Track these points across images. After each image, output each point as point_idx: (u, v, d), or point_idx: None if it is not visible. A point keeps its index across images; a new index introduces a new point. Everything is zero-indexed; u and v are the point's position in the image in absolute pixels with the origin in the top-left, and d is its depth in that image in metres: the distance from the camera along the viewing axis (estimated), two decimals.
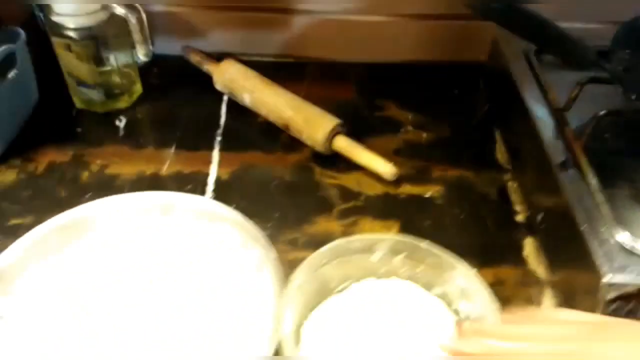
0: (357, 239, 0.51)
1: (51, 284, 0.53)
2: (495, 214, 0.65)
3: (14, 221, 0.61)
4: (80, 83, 0.74)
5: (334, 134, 0.69)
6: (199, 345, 0.49)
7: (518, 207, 0.65)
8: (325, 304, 0.50)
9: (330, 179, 0.68)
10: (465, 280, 0.48)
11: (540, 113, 0.63)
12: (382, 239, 0.51)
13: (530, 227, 0.63)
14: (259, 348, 0.48)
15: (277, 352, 0.45)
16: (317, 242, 0.51)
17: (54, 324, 0.50)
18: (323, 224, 0.63)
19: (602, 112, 0.58)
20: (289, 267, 0.51)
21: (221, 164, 0.70)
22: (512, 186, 0.68)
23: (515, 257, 0.60)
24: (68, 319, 0.51)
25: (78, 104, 0.77)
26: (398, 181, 0.67)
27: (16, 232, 0.55)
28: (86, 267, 0.55)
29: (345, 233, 0.62)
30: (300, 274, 0.48)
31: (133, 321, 0.51)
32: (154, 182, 0.67)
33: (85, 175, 0.68)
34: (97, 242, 0.57)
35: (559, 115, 0.62)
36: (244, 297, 0.53)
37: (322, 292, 0.51)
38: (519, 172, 0.68)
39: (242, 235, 0.56)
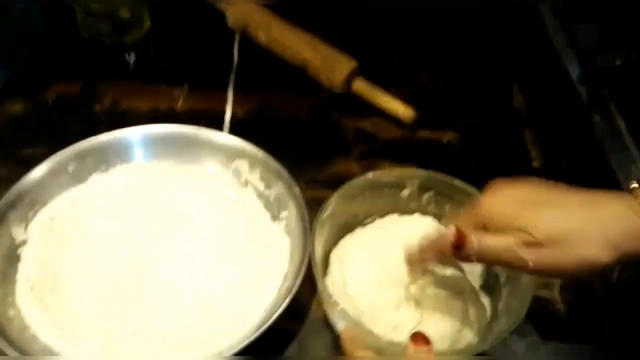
0: (389, 173, 0.51)
1: (72, 213, 0.53)
2: (512, 160, 0.65)
3: (27, 151, 0.60)
4: (89, 14, 0.71)
5: (352, 75, 0.68)
6: (221, 277, 0.49)
7: (534, 154, 0.66)
8: (352, 234, 0.51)
9: (347, 121, 0.68)
10: None
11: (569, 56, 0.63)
12: (413, 174, 0.51)
13: (547, 173, 0.63)
14: (274, 283, 0.48)
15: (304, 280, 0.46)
16: (336, 182, 0.51)
17: (74, 252, 0.50)
18: (342, 165, 0.63)
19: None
20: (309, 206, 0.51)
21: (236, 103, 0.69)
22: (529, 133, 0.68)
23: None
24: (87, 250, 0.50)
25: (85, 34, 0.74)
26: (415, 126, 0.67)
27: (30, 162, 0.53)
28: (105, 199, 0.54)
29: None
30: (332, 204, 0.48)
31: (153, 256, 0.50)
32: (170, 118, 0.65)
33: (97, 108, 0.66)
34: (118, 173, 0.56)
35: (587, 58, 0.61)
36: (265, 233, 0.53)
37: (350, 224, 0.51)
38: (538, 119, 0.69)
39: (264, 172, 0.56)
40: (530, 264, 0.35)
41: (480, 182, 0.58)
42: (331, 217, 0.49)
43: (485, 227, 0.38)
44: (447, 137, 0.67)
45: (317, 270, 0.44)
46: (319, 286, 0.43)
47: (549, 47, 0.67)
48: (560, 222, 0.35)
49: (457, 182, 0.50)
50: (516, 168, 0.64)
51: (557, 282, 0.53)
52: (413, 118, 0.66)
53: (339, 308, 0.42)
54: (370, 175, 0.51)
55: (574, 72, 0.62)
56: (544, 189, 0.38)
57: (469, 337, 0.44)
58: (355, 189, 0.50)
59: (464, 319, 0.45)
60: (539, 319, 0.48)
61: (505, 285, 0.46)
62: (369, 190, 0.51)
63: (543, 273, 0.38)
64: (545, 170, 0.64)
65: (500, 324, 0.44)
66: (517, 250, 0.35)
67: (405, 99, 0.67)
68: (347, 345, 0.39)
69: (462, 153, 0.65)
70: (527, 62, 0.74)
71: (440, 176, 0.50)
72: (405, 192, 0.52)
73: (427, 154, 0.65)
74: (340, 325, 0.43)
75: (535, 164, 0.65)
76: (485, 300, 0.48)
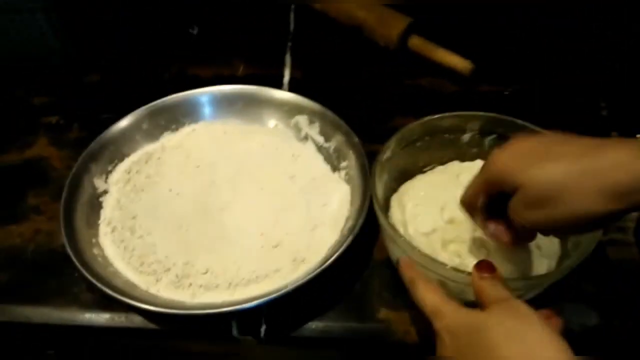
0: (448, 115, 0.50)
1: (146, 167, 0.56)
2: (580, 108, 0.63)
3: (105, 116, 0.64)
4: None
5: (408, 32, 0.68)
6: (286, 222, 0.51)
7: (603, 103, 0.63)
8: (412, 180, 0.51)
9: (404, 80, 0.68)
10: None
11: None
12: (474, 116, 0.50)
13: (616, 122, 0.61)
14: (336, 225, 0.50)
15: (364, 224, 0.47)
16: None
17: (149, 200, 0.54)
18: (400, 121, 0.63)
19: None
20: (368, 157, 0.52)
21: (294, 68, 0.70)
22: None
23: None
24: (160, 199, 0.54)
25: None
26: (474, 80, 0.66)
27: (108, 125, 0.58)
28: (176, 155, 0.58)
29: None
30: (390, 146, 0.48)
31: (222, 204, 0.53)
32: (232, 83, 0.68)
33: (166, 77, 0.70)
34: (187, 131, 0.60)
35: None
36: (326, 183, 0.55)
37: (409, 171, 0.52)
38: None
39: (323, 125, 0.57)
40: (527, 224, 0.35)
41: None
42: (390, 161, 0.49)
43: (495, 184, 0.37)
44: (508, 89, 0.66)
45: (379, 204, 0.44)
46: (381, 220, 0.44)
47: None
48: (554, 176, 0.33)
49: (521, 122, 0.48)
50: (585, 116, 0.62)
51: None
52: (471, 70, 0.65)
53: (401, 238, 0.42)
54: (428, 118, 0.50)
55: None
56: (551, 141, 0.36)
57: (538, 271, 0.43)
58: (414, 133, 0.50)
59: (532, 258, 0.44)
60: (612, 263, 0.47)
61: None
62: (427, 136, 0.51)
63: (543, 231, 0.38)
64: (612, 118, 0.61)
65: (570, 261, 0.43)
66: (520, 211, 0.35)
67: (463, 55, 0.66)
68: (407, 272, 0.40)
69: (524, 105, 0.64)
70: None
71: (502, 117, 0.49)
72: (466, 137, 0.51)
73: (487, 109, 0.64)
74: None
75: (604, 112, 0.62)
76: (554, 239, 0.46)
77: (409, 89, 0.67)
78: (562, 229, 0.37)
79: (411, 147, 0.51)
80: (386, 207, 0.49)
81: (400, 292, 0.47)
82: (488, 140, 0.51)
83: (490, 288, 0.36)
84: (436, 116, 0.51)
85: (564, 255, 0.45)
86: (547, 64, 0.68)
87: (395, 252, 0.45)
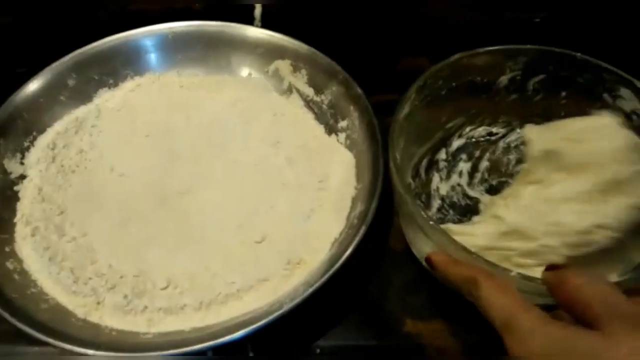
0: (484, 51, 0.38)
1: (77, 139, 0.42)
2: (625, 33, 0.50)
3: (21, 70, 0.48)
4: None
5: None
6: (271, 213, 0.38)
7: None
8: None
9: (412, 7, 0.54)
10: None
11: None
12: (519, 50, 0.38)
13: None
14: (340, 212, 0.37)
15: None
16: (404, 83, 0.38)
17: (83, 185, 0.40)
18: (408, 61, 0.50)
19: None
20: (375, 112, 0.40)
21: None
22: None
23: None
24: (99, 183, 0.40)
25: None
26: (496, 5, 0.52)
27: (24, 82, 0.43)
28: (117, 121, 0.43)
29: None
30: (410, 98, 0.36)
31: (184, 189, 0.40)
32: (188, 19, 0.53)
33: (100, 13, 0.54)
34: (130, 87, 0.45)
35: None
36: (320, 151, 0.42)
37: (432, 129, 0.40)
38: None
39: (312, 72, 0.44)
40: None
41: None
42: (408, 118, 0.36)
43: None
44: (539, 15, 0.52)
45: (402, 182, 0.32)
46: (409, 205, 0.31)
47: None
48: None
49: (581, 56, 0.37)
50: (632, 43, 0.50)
51: None
52: None
53: (431, 223, 0.30)
54: (457, 56, 0.38)
55: None
56: None
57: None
58: (439, 78, 0.37)
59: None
60: None
61: None
62: (455, 82, 0.38)
63: None
64: None
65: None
66: None
67: None
68: (454, 270, 0.28)
69: (563, 33, 0.51)
70: None
71: (557, 50, 0.37)
72: (504, 79, 0.39)
73: (514, 40, 0.51)
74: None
75: None
76: None
77: (417, 19, 0.53)
78: None
79: (435, 97, 0.38)
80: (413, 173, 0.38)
81: (432, 294, 0.35)
82: (533, 82, 0.39)
83: (603, 295, 0.23)
84: (468, 53, 0.38)
85: None
86: None
87: (422, 246, 0.33)
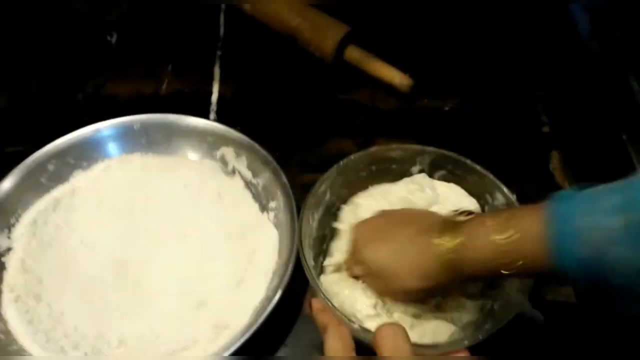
0: (397, 147, 0.47)
1: (55, 215, 0.51)
2: (521, 124, 0.60)
3: (10, 149, 0.58)
4: None
5: (344, 43, 0.63)
6: (209, 278, 0.48)
7: (545, 118, 0.60)
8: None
9: (341, 94, 0.63)
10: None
11: None
12: (425, 150, 0.47)
13: (556, 139, 0.59)
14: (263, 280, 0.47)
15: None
16: (330, 164, 0.48)
17: (58, 257, 0.49)
18: (336, 144, 0.59)
19: None
20: (301, 190, 0.48)
21: (223, 80, 0.65)
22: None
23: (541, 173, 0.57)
24: (71, 254, 0.49)
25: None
26: (414, 95, 0.62)
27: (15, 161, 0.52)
28: (88, 198, 0.53)
29: None
30: (330, 177, 0.46)
31: (139, 257, 0.49)
32: (154, 102, 0.62)
33: (79, 96, 0.63)
34: (100, 169, 0.54)
35: None
36: (254, 226, 0.51)
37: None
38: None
39: (251, 159, 0.53)
40: (368, 290, 0.42)
41: (487, 150, 0.53)
42: (327, 192, 0.47)
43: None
44: (448, 104, 0.62)
45: (305, 261, 0.42)
46: (311, 281, 0.41)
47: None
48: (383, 258, 0.41)
49: (470, 163, 0.46)
50: (525, 133, 0.60)
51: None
52: (410, 86, 0.61)
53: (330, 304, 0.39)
54: (375, 148, 0.48)
55: None
56: (394, 221, 0.43)
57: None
58: (360, 162, 0.47)
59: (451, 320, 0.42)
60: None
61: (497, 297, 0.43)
62: (373, 166, 0.48)
63: (381, 295, 0.43)
64: (554, 135, 0.59)
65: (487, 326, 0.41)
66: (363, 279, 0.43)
67: (402, 68, 0.62)
68: (320, 317, 0.37)
69: (465, 121, 0.61)
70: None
71: (453, 155, 0.47)
72: (415, 170, 0.49)
73: (426, 125, 0.61)
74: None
75: (546, 129, 0.60)
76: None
77: (346, 104, 0.63)
78: (393, 294, 0.42)
79: (353, 176, 0.48)
80: (323, 238, 0.47)
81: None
82: (437, 176, 0.49)
83: (389, 338, 0.32)
84: (384, 147, 0.48)
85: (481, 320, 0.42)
86: (488, 78, 0.65)
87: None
